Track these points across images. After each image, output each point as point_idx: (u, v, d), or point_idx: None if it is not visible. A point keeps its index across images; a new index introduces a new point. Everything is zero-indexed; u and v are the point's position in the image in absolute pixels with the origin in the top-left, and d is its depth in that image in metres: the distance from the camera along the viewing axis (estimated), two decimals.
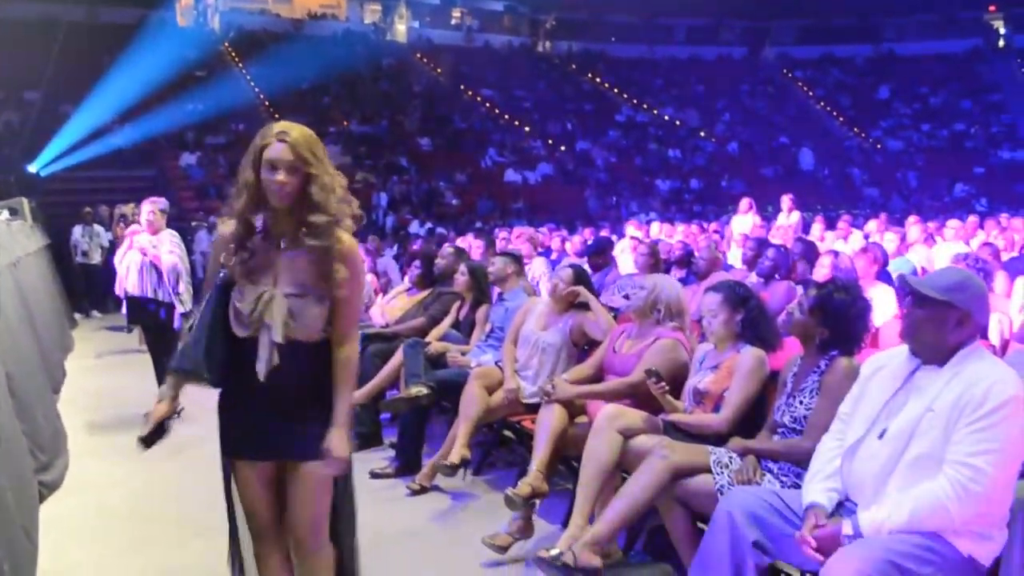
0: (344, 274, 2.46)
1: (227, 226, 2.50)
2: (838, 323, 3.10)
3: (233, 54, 23.68)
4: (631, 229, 11.11)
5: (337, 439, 2.45)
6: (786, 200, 11.44)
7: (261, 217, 2.48)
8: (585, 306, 4.60)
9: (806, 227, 10.91)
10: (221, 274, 2.54)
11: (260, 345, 2.43)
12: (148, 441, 2.53)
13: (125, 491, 4.72)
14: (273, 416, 2.46)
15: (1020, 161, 25.54)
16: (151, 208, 6.18)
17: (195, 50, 21.58)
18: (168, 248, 6.10)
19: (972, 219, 11.21)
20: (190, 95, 19.23)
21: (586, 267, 7.86)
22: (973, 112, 28.24)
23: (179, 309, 6.12)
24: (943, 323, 2.51)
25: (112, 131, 17.84)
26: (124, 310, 6.55)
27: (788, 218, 11.10)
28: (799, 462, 3.00)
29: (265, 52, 22.67)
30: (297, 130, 2.42)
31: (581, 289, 4.62)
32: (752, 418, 3.38)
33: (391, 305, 6.44)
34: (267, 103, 21.58)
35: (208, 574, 3.69)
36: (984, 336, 2.73)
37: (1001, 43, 31.51)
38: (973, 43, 31.00)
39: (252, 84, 22.09)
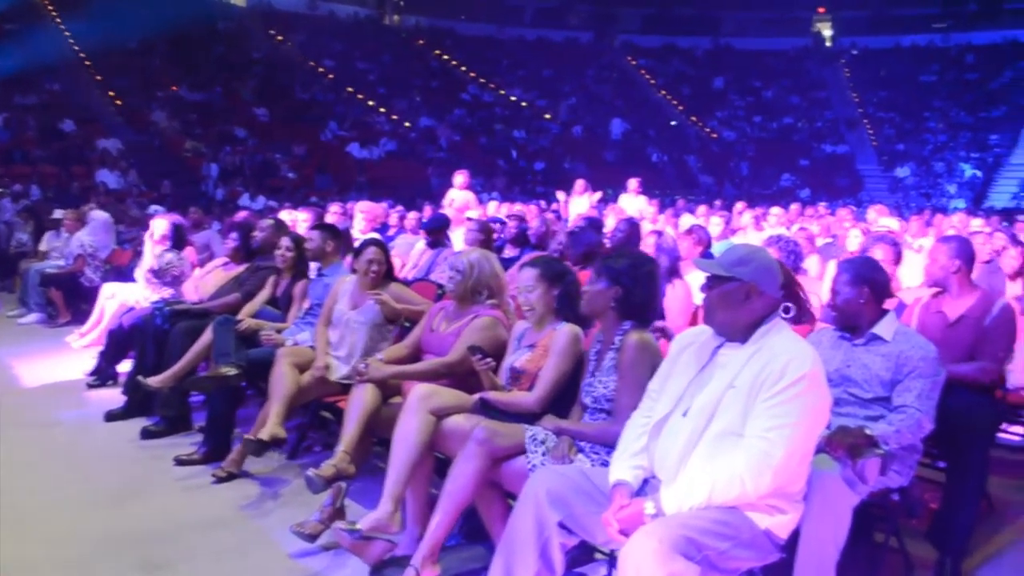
0: None
1: None
2: (626, 288, 3.04)
3: (48, 5, 21.77)
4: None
5: None
6: (632, 183, 11.69)
7: None
8: (394, 281, 4.51)
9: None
10: None
11: None
12: None
13: None
14: None
15: (841, 155, 27.47)
16: None
17: None
18: None
19: (794, 207, 12.11)
20: None
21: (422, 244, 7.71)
22: (800, 107, 30.06)
23: None
24: (732, 299, 2.53)
25: None
26: None
27: (633, 201, 11.31)
28: (610, 444, 2.94)
29: (86, 4, 20.88)
30: None
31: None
32: (564, 396, 3.29)
33: (205, 280, 6.02)
34: (87, 62, 20.01)
35: None
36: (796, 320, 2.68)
37: (828, 44, 33.70)
38: (803, 42, 33.01)
39: (70, 39, 20.42)
